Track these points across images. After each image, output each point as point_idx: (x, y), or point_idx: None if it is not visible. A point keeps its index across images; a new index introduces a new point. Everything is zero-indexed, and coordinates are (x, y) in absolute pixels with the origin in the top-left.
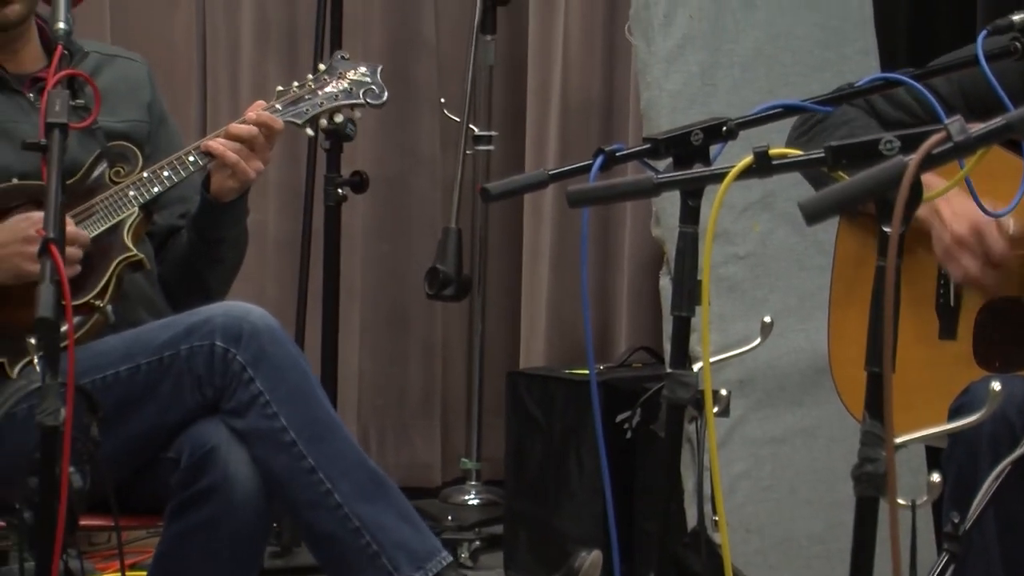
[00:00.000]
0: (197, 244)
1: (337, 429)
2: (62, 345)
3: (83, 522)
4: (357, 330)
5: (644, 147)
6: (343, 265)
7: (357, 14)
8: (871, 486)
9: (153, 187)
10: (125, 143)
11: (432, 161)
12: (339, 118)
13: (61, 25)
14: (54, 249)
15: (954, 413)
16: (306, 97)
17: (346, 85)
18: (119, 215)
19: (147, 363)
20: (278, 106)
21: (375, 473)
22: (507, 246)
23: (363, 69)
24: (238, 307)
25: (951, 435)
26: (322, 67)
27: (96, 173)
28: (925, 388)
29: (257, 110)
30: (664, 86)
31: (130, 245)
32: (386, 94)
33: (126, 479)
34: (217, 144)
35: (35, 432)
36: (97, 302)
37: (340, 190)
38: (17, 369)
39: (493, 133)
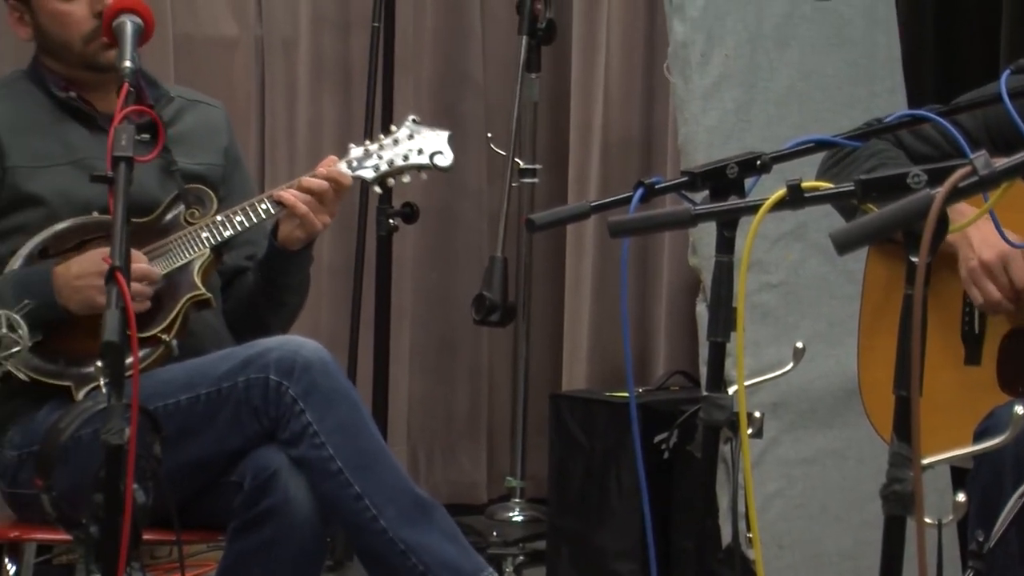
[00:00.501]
0: (262, 287)
1: (383, 457)
2: (127, 373)
3: (146, 536)
4: (407, 354)
5: (682, 180)
6: (394, 292)
7: (408, 53)
8: (899, 505)
9: (225, 231)
10: (202, 187)
11: (479, 193)
12: (406, 178)
13: (128, 64)
14: (120, 276)
15: (979, 436)
16: (377, 156)
17: (416, 147)
18: (191, 255)
19: (207, 393)
20: (352, 163)
21: (420, 498)
22: (550, 274)
23: (433, 133)
24: (293, 341)
25: (976, 457)
26: (394, 128)
27: (172, 213)
28: (951, 411)
29: (329, 166)
30: (701, 122)
31: (199, 284)
32: (452, 159)
33: (188, 498)
34: (289, 195)
35: (100, 451)
36: (164, 336)
37: (392, 220)
38: (82, 393)
39: (538, 166)
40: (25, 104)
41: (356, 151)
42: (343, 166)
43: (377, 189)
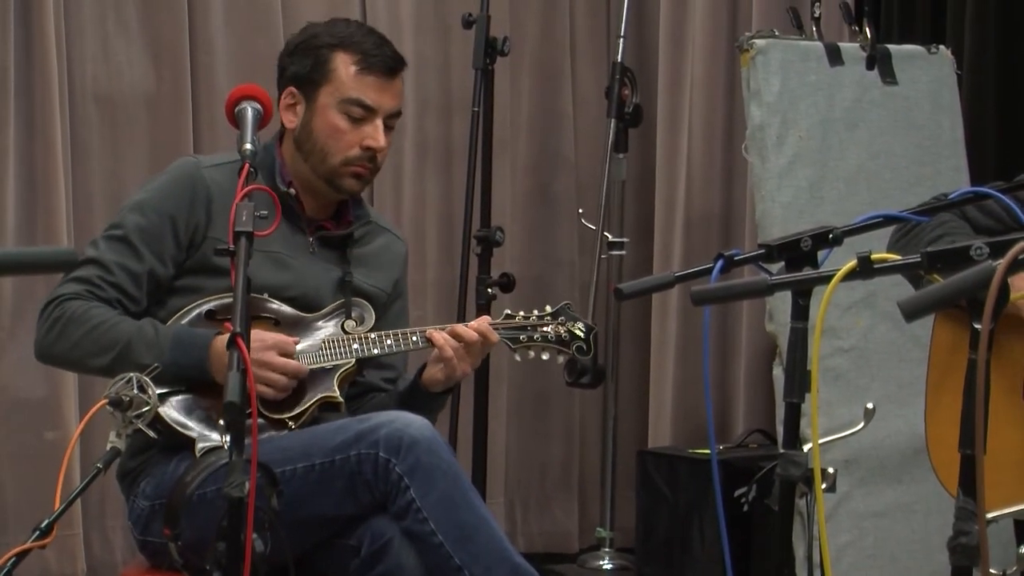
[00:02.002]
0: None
1: (484, 528)
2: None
3: None
4: (504, 412)
5: (759, 252)
6: (492, 355)
7: (505, 134)
8: (965, 556)
9: (374, 348)
10: (366, 303)
11: (571, 264)
12: (546, 355)
13: (248, 146)
14: (240, 341)
15: None
16: (527, 328)
17: (563, 334)
18: (338, 360)
19: (321, 463)
20: (500, 329)
21: (518, 567)
22: (637, 339)
23: (581, 325)
24: (401, 419)
25: None
26: (548, 308)
27: (334, 318)
28: (1015, 467)
29: (481, 322)
30: (777, 199)
31: (336, 388)
32: (593, 352)
33: (307, 553)
34: (440, 336)
35: (222, 503)
36: (291, 423)
37: (490, 290)
38: (200, 447)
39: (625, 239)
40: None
41: (510, 318)
42: (491, 326)
43: (517, 357)
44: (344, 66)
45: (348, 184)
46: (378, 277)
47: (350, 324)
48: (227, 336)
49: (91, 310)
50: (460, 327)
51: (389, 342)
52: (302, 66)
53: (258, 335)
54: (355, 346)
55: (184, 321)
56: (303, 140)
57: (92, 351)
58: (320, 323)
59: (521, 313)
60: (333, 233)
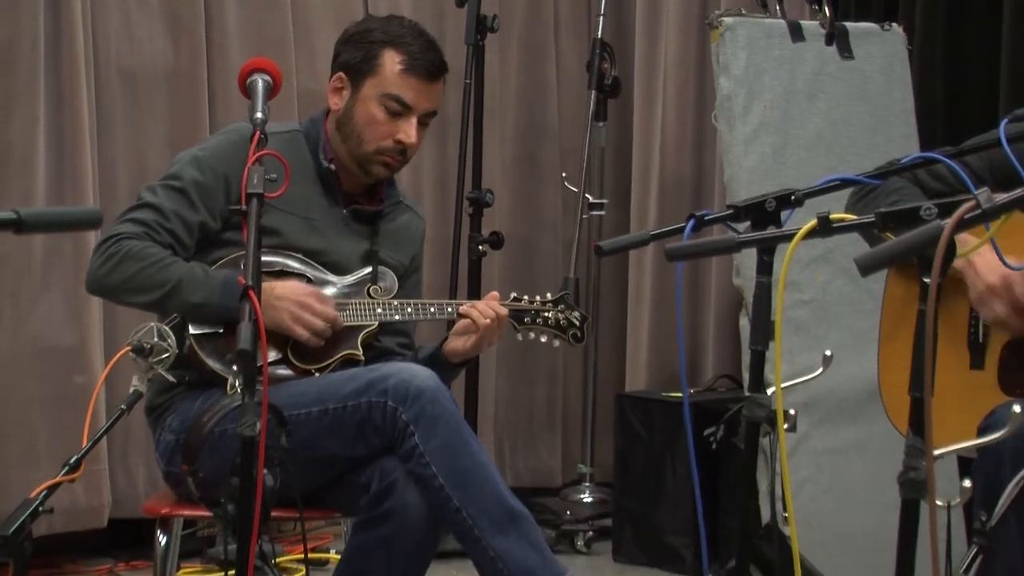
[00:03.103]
0: None
1: (481, 473)
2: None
3: (274, 514)
4: (494, 360)
5: (727, 213)
6: None
7: (495, 105)
8: (914, 490)
9: (395, 315)
10: (391, 272)
11: (555, 224)
12: (544, 338)
13: (259, 115)
14: (252, 295)
15: (982, 430)
16: (531, 312)
17: (562, 321)
18: (362, 321)
19: (333, 408)
20: (510, 310)
21: (511, 509)
22: (615, 293)
23: (577, 314)
24: (408, 370)
25: (980, 448)
26: (549, 296)
27: (360, 283)
28: (958, 409)
29: (496, 305)
30: (743, 163)
31: (358, 346)
32: (585, 340)
33: (319, 488)
34: (475, 311)
35: (236, 442)
36: (316, 373)
37: (481, 247)
38: (229, 386)
39: (604, 201)
40: (293, 155)
41: (516, 301)
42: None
43: (519, 336)
44: (391, 63)
45: (377, 171)
46: (399, 252)
47: (375, 290)
48: (278, 286)
49: (147, 248)
50: (481, 304)
51: (409, 310)
52: (353, 55)
53: (300, 285)
54: (379, 310)
55: (228, 269)
56: (344, 123)
57: (145, 286)
58: (347, 287)
59: (526, 297)
60: (365, 208)
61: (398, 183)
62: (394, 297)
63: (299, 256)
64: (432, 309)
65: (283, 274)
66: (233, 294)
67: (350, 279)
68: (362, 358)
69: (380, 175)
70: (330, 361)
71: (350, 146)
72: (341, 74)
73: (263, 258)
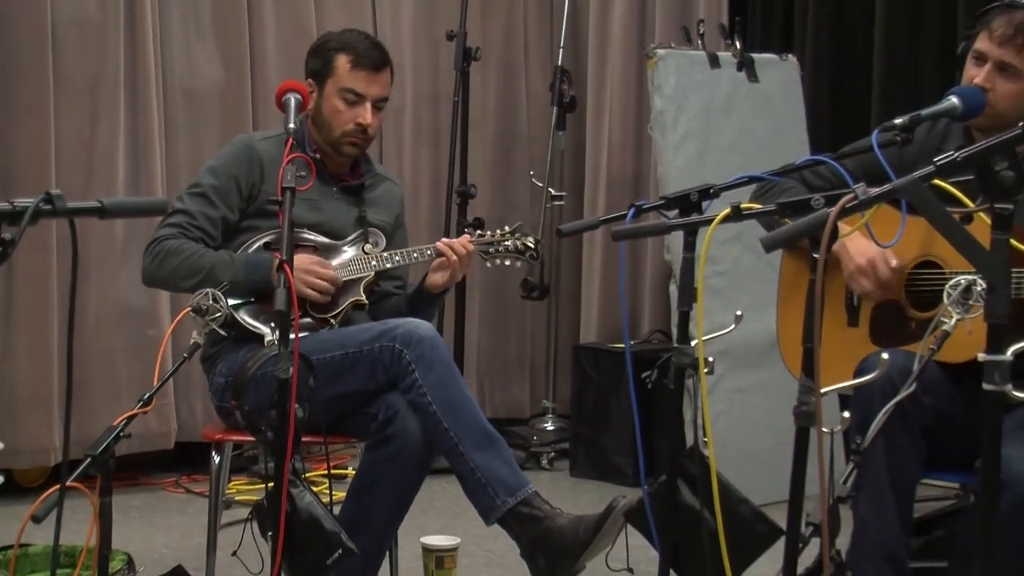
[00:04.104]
0: (406, 312)
1: (466, 403)
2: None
3: (303, 439)
4: (476, 318)
5: (660, 203)
6: (468, 277)
7: (478, 118)
8: (805, 420)
9: (387, 263)
10: (379, 231)
11: (524, 211)
12: (508, 262)
13: (292, 125)
14: (286, 267)
15: (857, 373)
16: (494, 243)
17: (520, 246)
18: (361, 273)
19: (352, 352)
20: (477, 245)
21: (489, 432)
22: (572, 265)
23: (531, 239)
24: (413, 323)
25: (856, 388)
26: (507, 228)
27: (355, 243)
28: (839, 357)
29: (464, 242)
30: (673, 164)
31: (361, 293)
32: (539, 259)
33: (338, 418)
34: (447, 247)
35: (274, 383)
36: (332, 321)
37: (466, 229)
38: (267, 340)
39: (564, 193)
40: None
41: (483, 236)
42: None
43: (488, 265)
44: (343, 64)
45: (347, 150)
46: (384, 213)
47: (368, 247)
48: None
49: (183, 245)
50: (456, 241)
51: (398, 258)
52: (315, 64)
53: (306, 256)
54: (373, 262)
55: (251, 251)
56: (316, 118)
57: (186, 274)
58: (346, 248)
59: (489, 232)
60: (350, 183)
61: (376, 162)
62: (384, 250)
63: (306, 229)
64: (415, 255)
65: (298, 247)
66: (255, 271)
67: (348, 241)
68: (366, 302)
69: (350, 153)
70: (341, 309)
71: (324, 135)
72: (310, 80)
73: (277, 236)
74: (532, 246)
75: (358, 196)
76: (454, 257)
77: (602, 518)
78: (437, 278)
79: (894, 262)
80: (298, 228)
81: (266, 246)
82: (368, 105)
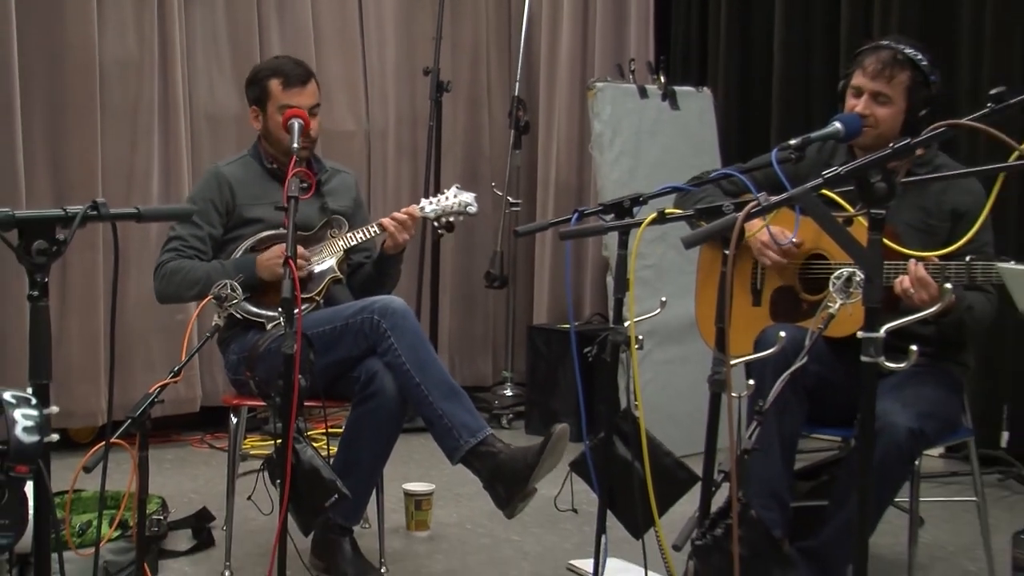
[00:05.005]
0: (375, 275)
1: (434, 363)
2: (300, 310)
3: (306, 403)
4: (448, 305)
5: (599, 209)
6: (441, 269)
7: (449, 139)
8: (718, 386)
9: (351, 241)
10: (340, 217)
11: (488, 216)
12: (452, 219)
13: (295, 145)
14: (291, 262)
15: (757, 343)
16: (438, 205)
17: (458, 205)
18: (333, 252)
19: (340, 325)
20: (424, 207)
21: (453, 386)
22: (526, 260)
23: (467, 197)
24: (387, 298)
25: (758, 359)
26: (447, 192)
27: (322, 231)
28: (745, 332)
29: (409, 208)
30: (610, 177)
31: (336, 270)
32: (477, 209)
33: (331, 383)
34: (386, 221)
35: (281, 357)
36: (317, 298)
37: (440, 231)
38: (269, 325)
39: (520, 201)
40: (248, 169)
41: (426, 202)
42: (418, 208)
43: (435, 224)
44: (275, 86)
45: (300, 154)
46: (342, 200)
47: (334, 232)
48: (264, 254)
49: (181, 264)
50: (397, 214)
51: (360, 235)
52: (254, 92)
53: (276, 248)
54: (340, 243)
55: (238, 254)
56: (267, 136)
57: (188, 286)
58: (316, 235)
59: (431, 198)
60: (308, 183)
61: (325, 159)
62: (348, 231)
63: (281, 228)
64: (373, 229)
65: (272, 245)
66: (242, 270)
67: (317, 230)
68: (342, 277)
69: (303, 156)
70: (322, 286)
71: (277, 148)
72: (253, 107)
73: (264, 234)
74: (470, 200)
75: (317, 191)
76: (390, 226)
77: (543, 444)
78: (388, 244)
79: (789, 236)
80: (273, 229)
81: (250, 249)
82: (307, 115)
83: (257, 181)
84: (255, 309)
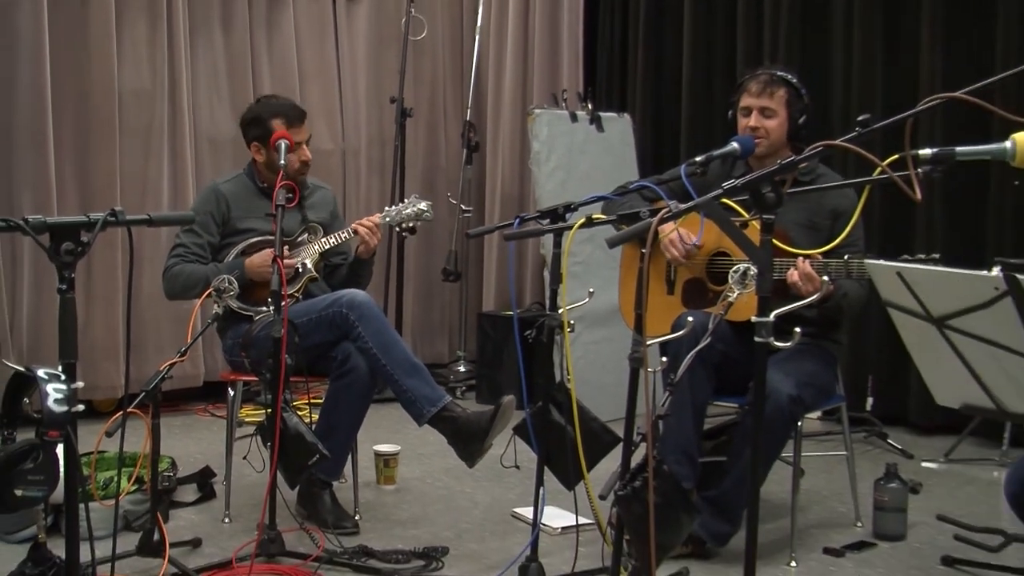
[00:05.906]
0: (350, 276)
1: (396, 344)
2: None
3: (292, 379)
4: (411, 298)
5: (537, 215)
6: (405, 265)
7: (411, 156)
8: (636, 363)
9: (326, 246)
10: (317, 225)
11: (444, 220)
12: (411, 224)
13: (282, 162)
14: (279, 261)
15: (673, 327)
16: (397, 213)
17: (415, 211)
18: (311, 255)
19: (316, 316)
20: (386, 216)
21: (414, 362)
22: (476, 258)
23: (423, 204)
24: (352, 292)
25: (672, 339)
26: (406, 201)
27: (302, 236)
28: (661, 317)
29: (373, 216)
30: (546, 188)
31: (313, 271)
32: (432, 215)
33: (312, 363)
34: (357, 226)
35: (270, 340)
36: (297, 295)
37: (403, 234)
38: (257, 317)
39: (471, 208)
40: (242, 187)
41: (388, 209)
42: (380, 216)
43: (397, 229)
44: (279, 125)
45: (300, 179)
46: (321, 212)
47: (311, 237)
48: (253, 257)
49: (184, 268)
50: (364, 220)
51: (333, 240)
52: (256, 131)
53: (265, 253)
54: (315, 247)
55: (231, 257)
56: (269, 166)
57: (190, 287)
58: (297, 241)
59: (391, 206)
60: (294, 198)
61: (308, 179)
62: (323, 236)
63: (268, 235)
64: (344, 235)
65: (261, 249)
66: (234, 269)
67: (297, 236)
68: (317, 276)
69: (303, 181)
70: (300, 284)
71: (275, 170)
72: (256, 143)
73: (253, 239)
74: (425, 207)
75: (300, 204)
76: (362, 231)
77: (495, 411)
78: (360, 248)
79: (692, 238)
80: (261, 236)
81: (241, 252)
82: (304, 147)
83: (249, 197)
84: (245, 304)
